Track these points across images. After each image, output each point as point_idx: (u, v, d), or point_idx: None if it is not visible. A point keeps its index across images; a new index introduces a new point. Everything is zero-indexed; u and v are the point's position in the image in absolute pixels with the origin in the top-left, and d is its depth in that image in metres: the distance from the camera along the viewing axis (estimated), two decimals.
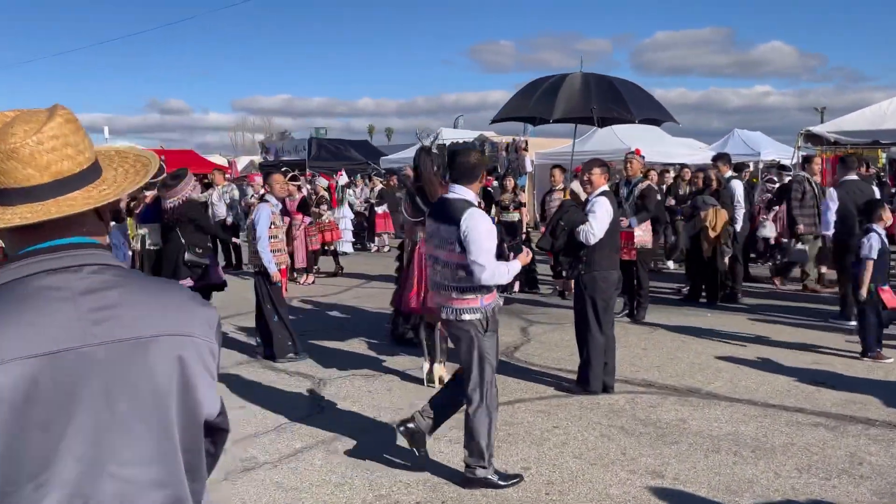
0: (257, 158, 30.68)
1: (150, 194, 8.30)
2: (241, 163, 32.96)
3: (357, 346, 7.25)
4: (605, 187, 5.60)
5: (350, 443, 4.67)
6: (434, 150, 5.94)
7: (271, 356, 6.68)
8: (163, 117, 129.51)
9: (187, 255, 7.39)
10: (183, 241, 7.47)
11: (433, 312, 5.70)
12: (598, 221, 5.32)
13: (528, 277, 10.64)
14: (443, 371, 5.85)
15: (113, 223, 8.78)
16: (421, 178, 5.81)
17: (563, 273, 5.83)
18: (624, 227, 8.03)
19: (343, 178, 16.11)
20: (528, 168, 20.50)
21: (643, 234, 8.22)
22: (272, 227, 6.72)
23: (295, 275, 11.88)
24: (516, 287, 10.54)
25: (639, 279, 8.35)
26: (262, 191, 12.82)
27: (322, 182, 13.88)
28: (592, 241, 5.35)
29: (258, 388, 5.88)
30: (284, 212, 9.56)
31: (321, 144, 28.45)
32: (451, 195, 3.98)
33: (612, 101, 6.78)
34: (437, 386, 5.80)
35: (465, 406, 3.99)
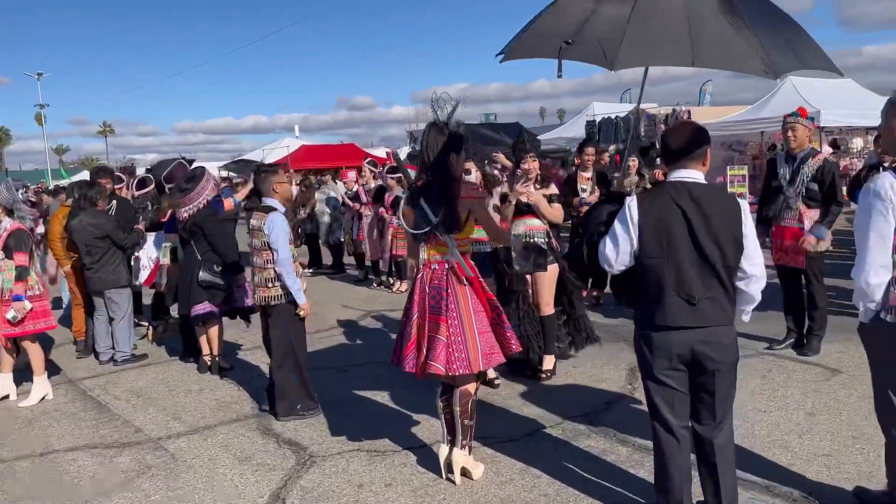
0: (407, 149, 29.82)
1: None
2: (403, 154, 32.39)
3: (396, 396, 5.41)
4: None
5: None
6: (456, 128, 3.88)
7: (275, 412, 5.06)
8: (350, 114, 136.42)
9: (202, 275, 6.03)
10: (199, 257, 6.14)
11: (440, 375, 3.76)
12: (610, 236, 3.14)
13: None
14: (467, 462, 3.88)
15: (154, 232, 7.62)
16: (428, 168, 3.82)
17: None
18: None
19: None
20: None
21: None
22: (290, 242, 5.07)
23: (390, 280, 10.32)
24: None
25: (812, 295, 5.74)
26: (354, 187, 11.51)
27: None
28: (608, 266, 3.18)
29: (222, 467, 4.28)
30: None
31: (469, 130, 26.86)
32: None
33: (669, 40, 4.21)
34: (457, 479, 3.85)
35: None
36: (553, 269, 5.52)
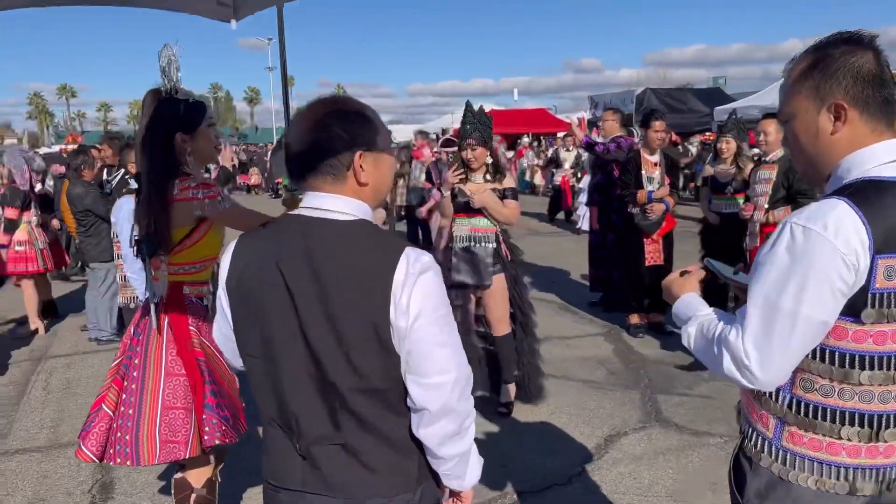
0: (587, 114, 27.66)
1: None
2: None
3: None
4: None
5: None
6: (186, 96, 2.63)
7: None
8: (576, 77, 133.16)
9: None
10: None
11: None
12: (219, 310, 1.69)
13: None
14: None
15: None
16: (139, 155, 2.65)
17: None
18: None
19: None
20: None
21: None
22: None
23: None
24: None
25: None
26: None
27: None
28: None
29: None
30: None
31: (655, 95, 24.10)
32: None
33: None
34: None
35: None
36: (500, 281, 4.33)
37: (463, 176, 4.26)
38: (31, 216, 6.70)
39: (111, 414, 2.58)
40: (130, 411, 2.53)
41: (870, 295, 1.41)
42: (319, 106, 1.57)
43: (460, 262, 4.26)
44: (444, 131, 29.77)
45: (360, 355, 1.44)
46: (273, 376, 1.53)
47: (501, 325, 4.35)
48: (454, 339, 1.50)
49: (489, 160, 4.29)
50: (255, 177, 24.41)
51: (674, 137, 17.99)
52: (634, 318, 6.24)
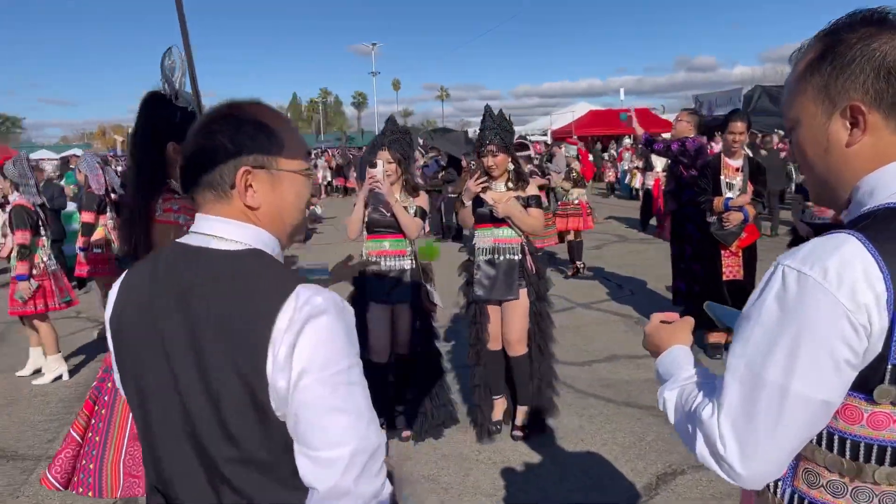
0: None
1: None
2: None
3: None
4: None
5: None
6: (187, 103, 2.45)
7: None
8: (688, 75, 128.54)
9: None
10: None
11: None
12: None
13: None
14: None
15: None
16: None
17: None
18: None
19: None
20: None
21: None
22: None
23: None
24: None
25: None
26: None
27: (570, 150, 10.00)
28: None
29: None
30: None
31: (766, 93, 22.62)
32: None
33: None
34: None
35: None
36: (523, 297, 4.06)
37: (486, 184, 4.00)
38: (107, 219, 6.93)
39: (79, 440, 2.47)
40: (97, 438, 2.42)
41: (890, 366, 1.03)
42: (215, 109, 1.33)
43: (483, 276, 4.03)
44: (543, 133, 29.37)
45: (236, 421, 1.18)
46: (149, 433, 1.31)
47: (519, 345, 4.10)
48: (355, 402, 1.18)
49: (511, 167, 4.02)
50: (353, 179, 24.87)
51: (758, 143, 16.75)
52: (713, 337, 5.71)
